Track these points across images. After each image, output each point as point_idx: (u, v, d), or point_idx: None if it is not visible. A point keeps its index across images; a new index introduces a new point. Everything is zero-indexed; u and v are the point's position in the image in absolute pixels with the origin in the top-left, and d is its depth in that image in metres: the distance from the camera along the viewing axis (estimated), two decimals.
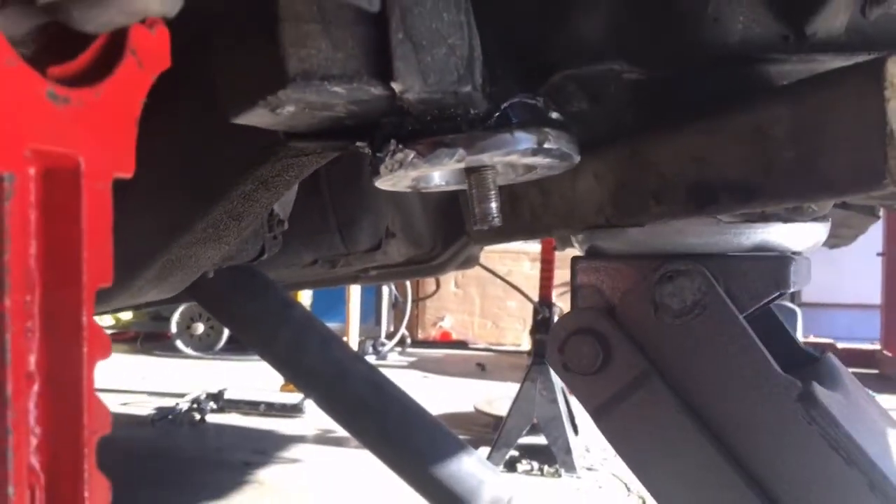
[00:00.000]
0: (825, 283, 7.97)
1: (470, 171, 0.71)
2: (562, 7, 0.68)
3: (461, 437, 3.63)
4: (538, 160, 0.68)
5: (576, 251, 0.95)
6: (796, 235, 0.82)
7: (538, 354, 3.29)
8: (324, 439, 3.67)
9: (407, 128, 0.65)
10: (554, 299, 3.52)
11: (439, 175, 0.76)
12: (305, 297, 5.78)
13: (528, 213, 0.94)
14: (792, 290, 0.78)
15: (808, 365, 0.89)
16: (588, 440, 3.35)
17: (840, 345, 6.37)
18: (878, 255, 6.23)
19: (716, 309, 0.76)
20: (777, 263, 0.78)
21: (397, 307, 6.91)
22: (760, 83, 0.76)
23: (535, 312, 3.48)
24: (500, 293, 7.21)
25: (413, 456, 2.03)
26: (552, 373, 3.13)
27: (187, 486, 2.88)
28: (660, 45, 0.71)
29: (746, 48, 0.76)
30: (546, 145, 0.65)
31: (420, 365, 6.23)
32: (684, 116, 0.73)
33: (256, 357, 2.29)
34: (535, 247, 6.04)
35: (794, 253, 0.83)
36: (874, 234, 5.88)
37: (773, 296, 0.78)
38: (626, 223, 0.80)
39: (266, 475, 3.06)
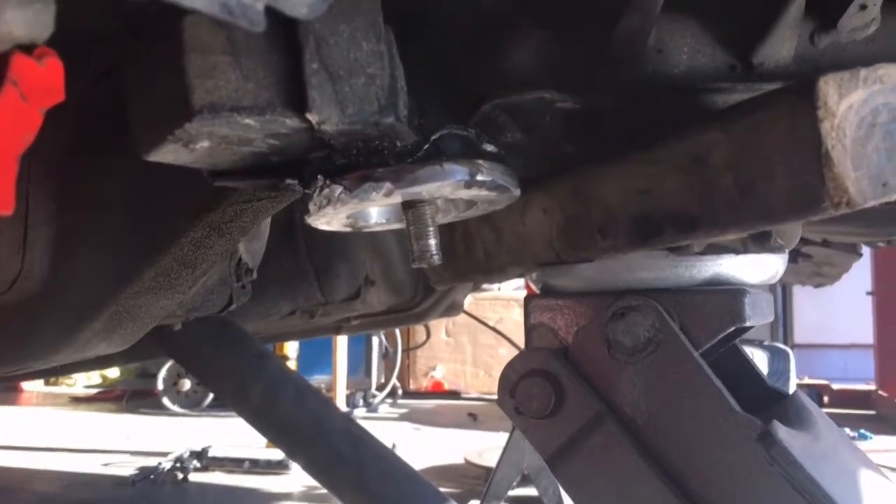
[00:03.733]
0: (817, 324, 7.94)
1: (407, 207, 0.69)
2: (491, 36, 0.66)
3: (451, 490, 3.53)
4: (474, 193, 0.65)
5: None
6: (751, 268, 0.79)
7: None
8: (310, 496, 3.57)
9: (335, 162, 0.62)
10: None
11: (377, 212, 0.74)
12: (292, 350, 5.71)
13: (481, 252, 0.91)
14: (749, 324, 0.75)
15: (775, 404, 0.86)
16: None
17: (835, 386, 6.30)
18: (868, 293, 6.20)
19: (670, 345, 0.73)
20: (732, 297, 0.75)
21: (388, 358, 6.83)
22: (707, 113, 0.74)
23: None
24: (491, 341, 7.14)
25: None
26: None
27: None
28: (598, 75, 0.69)
29: (692, 78, 0.74)
30: (479, 177, 0.63)
31: (411, 416, 6.12)
32: (627, 147, 0.71)
33: None
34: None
35: (751, 286, 0.80)
36: (863, 273, 5.88)
37: (729, 330, 0.75)
38: (575, 259, 0.77)
39: None
